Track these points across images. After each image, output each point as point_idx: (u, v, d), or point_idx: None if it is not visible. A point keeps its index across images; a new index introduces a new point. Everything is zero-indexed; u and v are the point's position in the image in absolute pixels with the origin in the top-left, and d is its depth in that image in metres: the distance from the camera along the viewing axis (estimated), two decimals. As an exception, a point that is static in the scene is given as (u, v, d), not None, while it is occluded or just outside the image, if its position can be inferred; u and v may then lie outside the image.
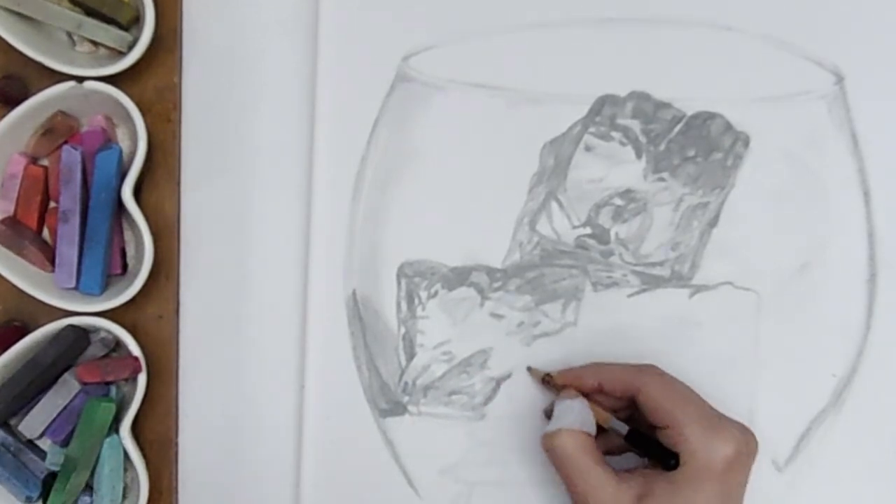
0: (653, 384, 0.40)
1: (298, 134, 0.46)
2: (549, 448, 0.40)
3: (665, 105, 0.44)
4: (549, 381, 0.43)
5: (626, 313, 0.45)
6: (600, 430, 0.41)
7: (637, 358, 0.42)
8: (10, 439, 0.44)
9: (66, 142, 0.46)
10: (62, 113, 0.45)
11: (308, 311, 0.46)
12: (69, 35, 0.46)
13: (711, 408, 0.39)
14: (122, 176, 0.44)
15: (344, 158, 0.46)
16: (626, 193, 0.44)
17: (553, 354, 0.45)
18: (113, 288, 0.46)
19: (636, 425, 0.40)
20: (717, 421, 0.38)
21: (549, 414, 0.43)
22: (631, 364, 0.42)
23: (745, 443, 0.38)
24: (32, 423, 0.44)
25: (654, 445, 0.39)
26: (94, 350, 0.45)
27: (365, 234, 0.46)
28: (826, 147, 0.45)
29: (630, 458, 0.41)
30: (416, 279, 0.45)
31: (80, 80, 0.44)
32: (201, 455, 0.47)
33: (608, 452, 0.41)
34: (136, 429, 0.46)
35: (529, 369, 0.45)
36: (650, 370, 0.41)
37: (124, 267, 0.47)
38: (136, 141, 0.44)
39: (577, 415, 0.40)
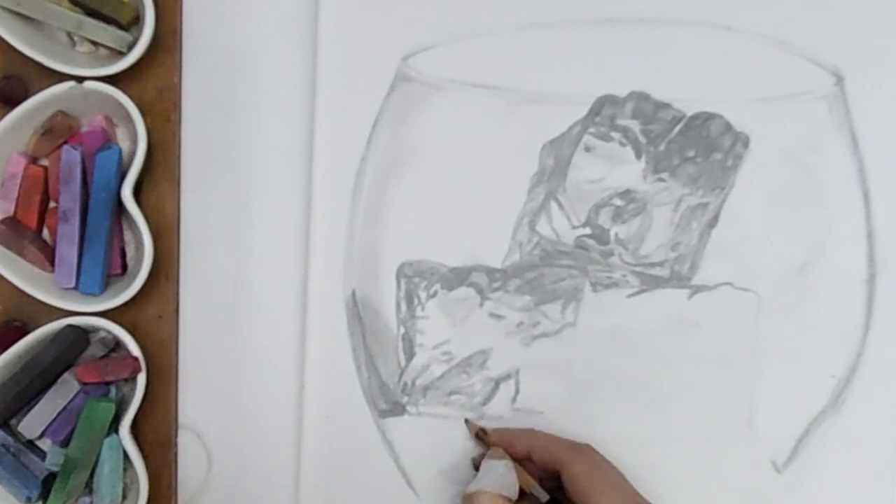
0: (579, 464, 0.40)
1: (298, 134, 0.46)
2: None
3: (665, 105, 0.44)
4: (482, 437, 0.44)
5: (625, 314, 0.45)
6: (523, 493, 0.41)
7: (636, 358, 0.42)
8: (9, 440, 0.44)
9: (66, 142, 0.46)
10: (62, 113, 0.45)
11: (308, 311, 0.46)
12: (69, 35, 0.46)
13: (637, 497, 0.39)
14: (122, 176, 0.44)
15: (344, 158, 0.46)
16: (626, 194, 0.44)
17: (552, 355, 0.45)
18: (113, 288, 0.46)
19: (559, 496, 0.40)
20: None
21: (476, 465, 0.43)
22: (566, 440, 0.42)
23: None
24: (32, 424, 0.44)
25: None
26: (94, 350, 0.45)
27: (365, 234, 0.46)
28: (826, 147, 0.45)
29: None
30: (415, 279, 0.45)
31: (80, 80, 0.44)
32: (201, 455, 0.47)
33: None
34: (135, 429, 0.46)
35: (467, 422, 0.45)
36: (583, 450, 0.41)
37: (124, 267, 0.47)
38: (136, 141, 0.44)
39: (498, 477, 0.40)
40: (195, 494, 0.47)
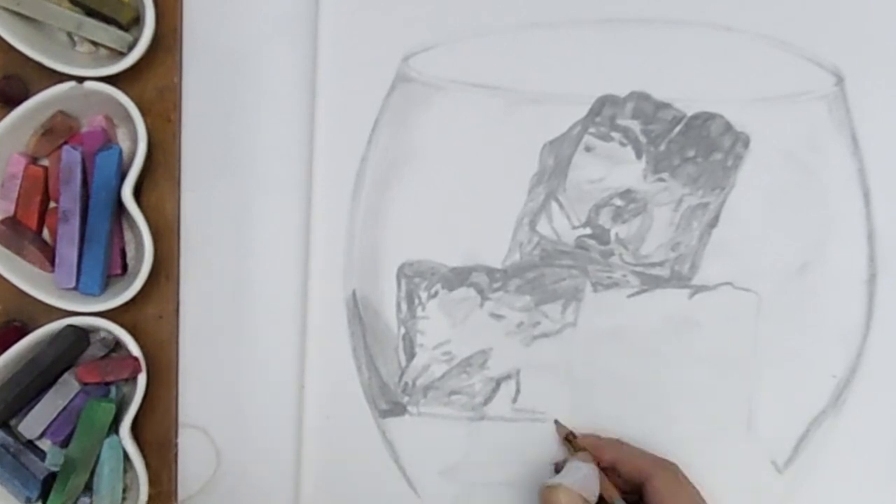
0: (664, 479, 0.40)
1: (298, 134, 0.46)
2: (546, 498, 0.40)
3: (665, 105, 0.44)
4: (570, 441, 0.44)
5: (625, 314, 0.45)
6: (602, 502, 0.40)
7: (637, 359, 0.42)
8: (9, 440, 0.44)
9: (66, 142, 0.46)
10: (62, 113, 0.45)
11: (308, 311, 0.46)
12: (69, 35, 0.46)
13: None
14: (122, 176, 0.44)
15: (344, 158, 0.46)
16: (626, 194, 0.44)
17: (553, 355, 0.45)
18: (113, 288, 0.46)
19: None
20: None
21: (558, 468, 0.43)
22: (653, 455, 0.42)
23: None
24: (32, 424, 0.44)
25: None
26: (94, 350, 0.45)
27: (365, 234, 0.46)
28: (826, 147, 0.45)
29: None
30: (416, 279, 0.45)
31: (80, 80, 0.44)
32: (201, 455, 0.47)
33: None
34: (135, 429, 0.46)
35: (557, 423, 0.45)
36: (667, 466, 0.41)
37: (124, 267, 0.47)
38: (136, 141, 0.44)
39: (582, 477, 0.40)
40: (196, 494, 0.47)
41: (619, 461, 0.42)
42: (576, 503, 0.39)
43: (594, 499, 0.40)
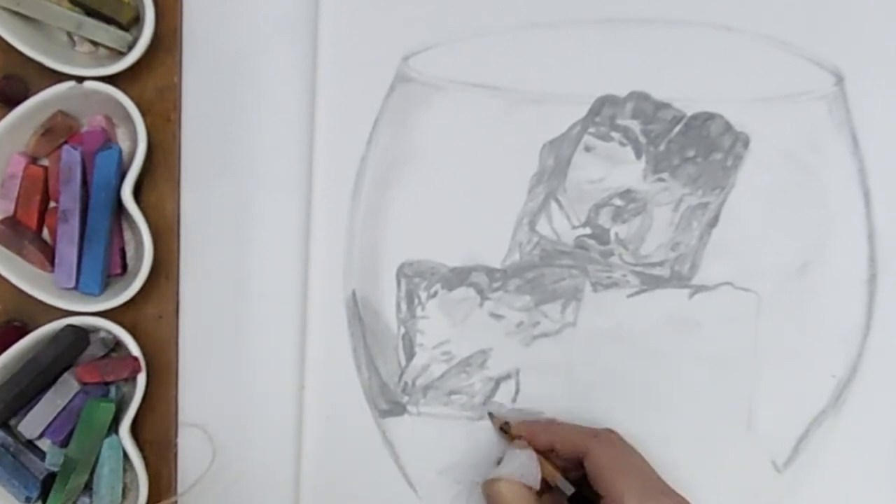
0: (601, 450, 0.40)
1: (298, 134, 0.46)
2: (488, 494, 0.40)
3: (665, 105, 0.44)
4: (505, 430, 0.43)
5: (625, 313, 0.45)
6: (547, 486, 0.40)
7: (637, 359, 0.42)
8: (9, 440, 0.44)
9: (66, 142, 0.46)
10: (62, 113, 0.45)
11: (308, 311, 0.46)
12: (69, 35, 0.46)
13: (660, 482, 0.39)
14: (122, 176, 0.44)
15: (344, 158, 0.46)
16: (626, 194, 0.44)
17: (552, 355, 0.45)
18: (113, 288, 0.46)
19: (585, 489, 0.40)
20: (659, 497, 0.38)
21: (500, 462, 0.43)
22: (587, 427, 0.42)
23: None
24: (32, 424, 0.44)
25: None
26: (94, 350, 0.45)
27: (365, 234, 0.46)
28: (826, 147, 0.45)
29: None
30: (415, 279, 0.45)
31: (80, 80, 0.44)
32: (201, 455, 0.47)
33: None
34: (135, 429, 0.46)
35: (490, 415, 0.45)
36: (604, 436, 0.41)
37: (124, 267, 0.47)
38: (136, 141, 0.44)
39: (520, 466, 0.40)
40: (196, 494, 0.47)
41: (554, 441, 0.41)
42: (517, 492, 0.39)
43: (537, 484, 0.40)
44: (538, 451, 0.41)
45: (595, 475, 0.39)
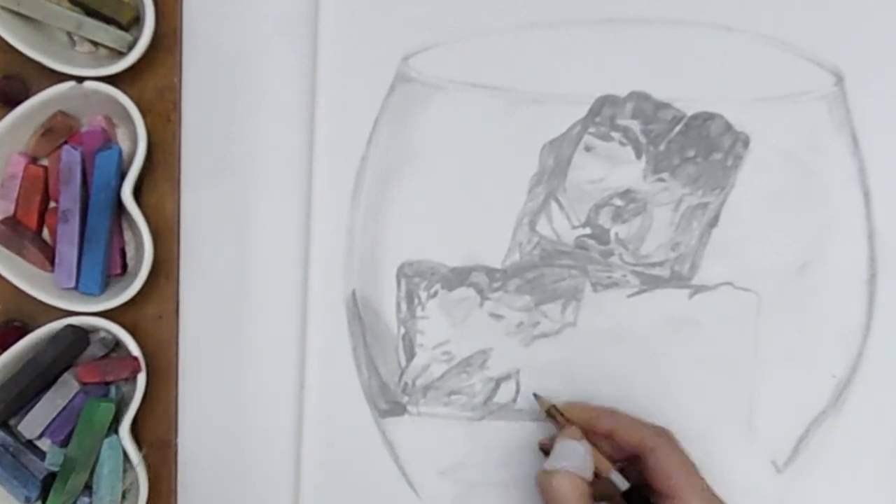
0: (669, 448, 0.39)
1: (298, 134, 0.46)
2: (545, 486, 0.38)
3: (665, 105, 0.44)
4: (553, 414, 0.41)
5: (625, 314, 0.44)
6: (597, 476, 0.39)
7: (637, 359, 0.42)
8: (9, 440, 0.44)
9: (66, 142, 0.46)
10: (62, 113, 0.45)
11: (308, 311, 0.46)
12: (69, 35, 0.46)
13: (707, 484, 0.39)
14: (122, 176, 0.44)
15: (344, 158, 0.46)
16: (626, 194, 0.44)
17: (552, 355, 0.45)
18: (113, 288, 0.46)
19: (632, 480, 0.39)
20: (715, 501, 0.38)
21: (544, 448, 0.42)
22: (649, 423, 0.41)
23: None
24: (32, 424, 0.44)
25: None
26: (94, 350, 0.45)
27: (365, 234, 0.46)
28: (826, 147, 0.45)
29: None
30: (415, 279, 0.45)
31: (80, 80, 0.44)
32: (201, 455, 0.47)
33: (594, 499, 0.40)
34: (135, 429, 0.46)
35: (536, 396, 0.43)
36: (664, 434, 0.40)
37: (124, 267, 0.47)
38: (136, 141, 0.44)
39: (579, 459, 0.38)
40: (196, 494, 0.47)
41: (617, 431, 0.40)
42: (579, 487, 0.37)
43: (591, 476, 0.38)
44: (590, 439, 0.39)
45: (659, 474, 0.38)
